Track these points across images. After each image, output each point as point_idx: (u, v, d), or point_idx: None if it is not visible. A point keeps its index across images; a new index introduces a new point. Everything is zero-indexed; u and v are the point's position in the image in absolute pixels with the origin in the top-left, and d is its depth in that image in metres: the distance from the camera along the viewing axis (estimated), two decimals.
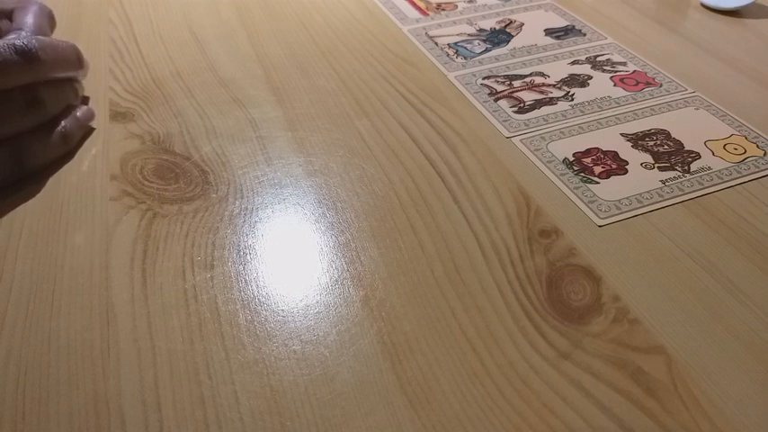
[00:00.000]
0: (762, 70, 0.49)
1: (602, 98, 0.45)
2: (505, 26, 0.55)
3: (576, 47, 0.51)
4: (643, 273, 0.32)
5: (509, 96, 0.45)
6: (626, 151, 0.40)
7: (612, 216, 0.35)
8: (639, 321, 0.30)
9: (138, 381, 0.27)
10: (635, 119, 0.43)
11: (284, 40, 0.52)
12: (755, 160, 0.39)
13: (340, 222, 0.35)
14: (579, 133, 0.41)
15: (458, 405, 0.26)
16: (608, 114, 0.43)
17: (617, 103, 0.44)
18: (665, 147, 0.40)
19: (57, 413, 0.26)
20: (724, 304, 0.30)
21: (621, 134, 0.41)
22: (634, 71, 0.48)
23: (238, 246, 0.33)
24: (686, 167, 0.39)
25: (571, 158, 0.39)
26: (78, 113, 0.40)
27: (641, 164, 0.39)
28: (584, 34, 0.53)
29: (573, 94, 0.45)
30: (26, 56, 0.35)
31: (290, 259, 0.33)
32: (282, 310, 0.30)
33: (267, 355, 0.28)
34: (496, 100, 0.45)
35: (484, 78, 0.47)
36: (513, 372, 0.27)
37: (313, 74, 0.48)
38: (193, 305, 0.30)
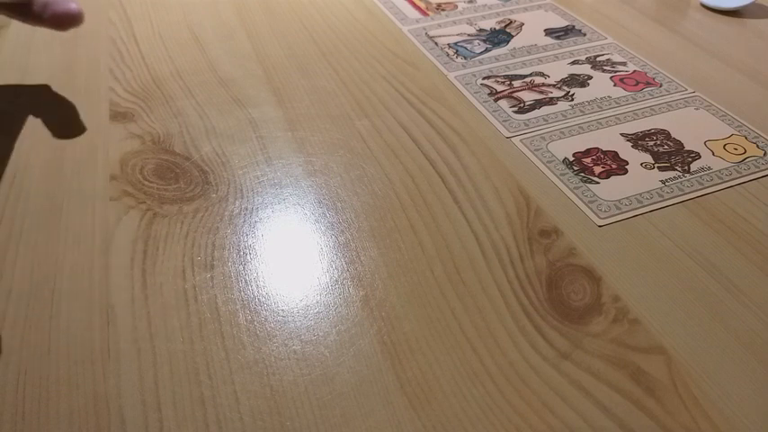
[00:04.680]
0: (762, 70, 0.49)
1: (602, 98, 0.45)
2: (505, 26, 0.55)
3: (576, 47, 0.51)
4: (643, 273, 0.32)
5: (509, 96, 0.45)
6: (626, 151, 0.40)
7: (612, 216, 0.35)
8: (639, 321, 0.30)
9: (138, 381, 0.27)
10: (635, 119, 0.43)
11: (284, 40, 0.52)
12: (755, 160, 0.39)
13: (340, 222, 0.35)
14: (579, 133, 0.41)
15: (458, 405, 0.26)
16: (608, 114, 0.43)
17: (617, 103, 0.44)
18: (665, 147, 0.40)
19: (57, 413, 0.26)
20: (724, 304, 0.30)
21: (621, 134, 0.41)
22: (634, 71, 0.48)
23: (238, 246, 0.33)
24: (686, 167, 0.39)
25: (571, 158, 0.39)
26: None
27: (641, 164, 0.39)
28: (585, 34, 0.53)
29: (573, 94, 0.45)
30: None
31: (290, 259, 0.33)
32: (282, 310, 0.30)
33: (267, 355, 0.28)
34: (496, 100, 0.45)
35: (484, 78, 0.47)
36: (513, 372, 0.27)
37: (313, 74, 0.48)
38: (193, 305, 0.30)
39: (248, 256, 0.33)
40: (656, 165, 0.39)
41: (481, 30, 0.54)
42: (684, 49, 0.51)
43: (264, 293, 0.31)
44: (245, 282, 0.31)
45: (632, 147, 0.40)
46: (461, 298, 0.31)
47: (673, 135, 0.41)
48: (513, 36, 0.53)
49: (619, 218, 0.35)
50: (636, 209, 0.36)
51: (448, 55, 0.50)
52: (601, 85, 0.46)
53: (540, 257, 0.33)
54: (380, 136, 0.41)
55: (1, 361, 0.28)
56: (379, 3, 0.58)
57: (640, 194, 0.37)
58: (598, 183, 0.37)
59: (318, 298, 0.31)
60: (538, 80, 0.47)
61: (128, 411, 0.26)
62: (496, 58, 0.50)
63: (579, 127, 0.42)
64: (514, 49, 0.51)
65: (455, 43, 0.52)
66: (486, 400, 0.26)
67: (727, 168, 0.39)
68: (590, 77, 0.47)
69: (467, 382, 0.27)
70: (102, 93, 0.45)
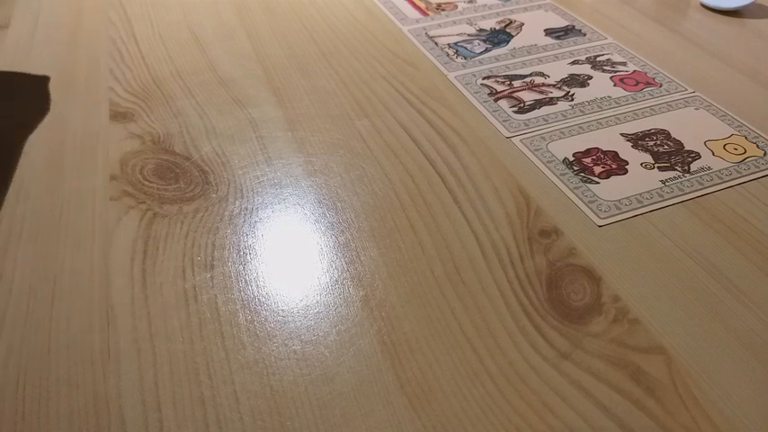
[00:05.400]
0: (762, 70, 0.49)
1: (602, 98, 0.45)
2: (505, 26, 0.55)
3: (576, 47, 0.51)
4: (643, 273, 0.32)
5: (509, 96, 0.45)
6: (626, 151, 0.40)
7: (612, 216, 0.35)
8: (639, 321, 0.30)
9: (138, 381, 0.27)
10: (635, 119, 0.43)
11: (284, 40, 0.52)
12: (755, 160, 0.39)
13: (340, 222, 0.35)
14: (579, 133, 0.41)
15: (458, 405, 0.26)
16: (608, 114, 0.43)
17: (617, 103, 0.44)
18: (665, 147, 0.40)
19: (57, 413, 0.26)
20: (724, 304, 0.30)
21: (621, 134, 0.41)
22: (634, 71, 0.48)
23: (238, 246, 0.33)
24: (686, 167, 0.39)
25: (571, 158, 0.39)
26: None
27: (641, 164, 0.39)
28: (585, 34, 0.53)
29: (573, 94, 0.45)
30: None
31: (290, 259, 0.33)
32: (282, 310, 0.30)
33: (267, 355, 0.28)
34: (496, 100, 0.45)
35: (484, 78, 0.47)
36: (513, 372, 0.27)
37: (313, 74, 0.48)
38: (193, 305, 0.30)
39: (248, 256, 0.33)
40: (656, 165, 0.39)
41: (481, 30, 0.54)
42: (684, 49, 0.51)
43: (264, 293, 0.31)
44: (245, 282, 0.31)
45: (632, 147, 0.40)
46: (461, 298, 0.31)
47: (673, 135, 0.41)
48: (513, 36, 0.53)
49: (619, 218, 0.35)
50: (636, 209, 0.36)
51: (448, 55, 0.50)
52: (601, 85, 0.46)
53: (540, 257, 0.33)
54: (380, 136, 0.41)
55: (1, 361, 0.28)
56: (379, 3, 0.58)
57: (640, 194, 0.37)
58: (598, 183, 0.37)
59: (318, 298, 0.31)
60: (538, 80, 0.47)
61: (128, 411, 0.26)
62: (496, 58, 0.50)
63: (579, 127, 0.42)
64: (514, 49, 0.51)
65: (455, 43, 0.52)
66: (486, 400, 0.26)
67: (727, 168, 0.39)
68: (590, 77, 0.47)
69: (467, 382, 0.27)
70: (102, 93, 0.45)
